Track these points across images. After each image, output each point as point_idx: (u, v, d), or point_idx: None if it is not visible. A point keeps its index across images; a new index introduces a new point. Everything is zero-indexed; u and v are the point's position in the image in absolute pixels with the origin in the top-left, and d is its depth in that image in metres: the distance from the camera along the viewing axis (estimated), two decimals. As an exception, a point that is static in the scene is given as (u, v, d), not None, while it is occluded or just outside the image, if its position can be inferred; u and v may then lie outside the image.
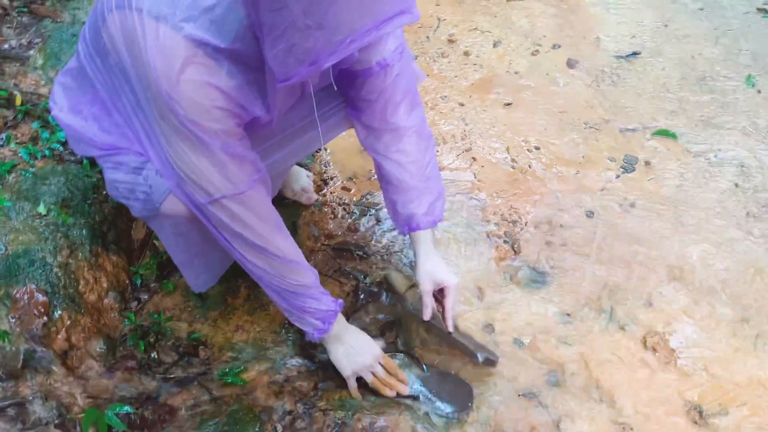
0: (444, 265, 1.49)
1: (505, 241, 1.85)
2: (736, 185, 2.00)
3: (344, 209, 1.92)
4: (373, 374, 1.47)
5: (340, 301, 1.40)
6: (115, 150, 1.31)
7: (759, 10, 2.61)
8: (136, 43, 1.02)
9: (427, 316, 1.49)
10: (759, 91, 2.28)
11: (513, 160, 2.08)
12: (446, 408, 1.48)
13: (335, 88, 1.34)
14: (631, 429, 1.47)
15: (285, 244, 1.29)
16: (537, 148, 2.11)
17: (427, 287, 1.47)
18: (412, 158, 1.42)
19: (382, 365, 1.47)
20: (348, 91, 1.38)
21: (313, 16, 0.83)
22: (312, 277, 1.35)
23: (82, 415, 1.31)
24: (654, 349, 1.61)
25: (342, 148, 2.07)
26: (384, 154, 1.44)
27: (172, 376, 1.49)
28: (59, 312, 1.44)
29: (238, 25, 0.99)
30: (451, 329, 1.51)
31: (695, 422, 1.49)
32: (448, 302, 1.49)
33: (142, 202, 1.30)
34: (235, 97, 1.06)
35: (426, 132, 1.44)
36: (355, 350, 1.45)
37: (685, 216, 1.91)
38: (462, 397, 1.50)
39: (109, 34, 1.08)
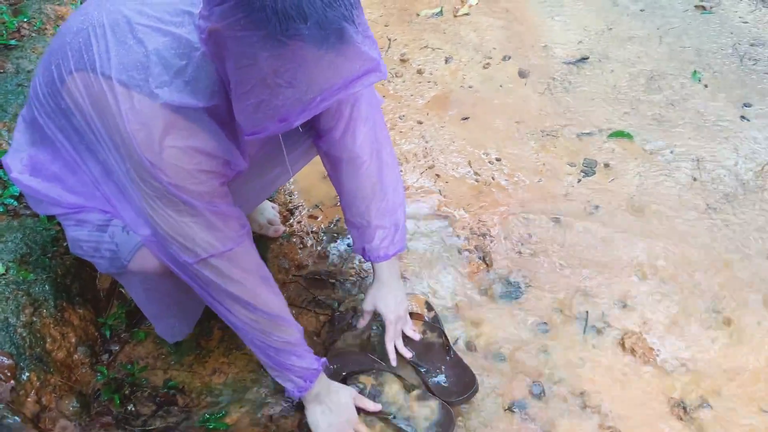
0: (390, 297, 1.51)
1: (477, 256, 1.85)
2: (694, 179, 2.04)
3: (313, 237, 1.90)
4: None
5: (324, 360, 1.37)
6: (78, 208, 1.26)
7: (697, 7, 2.70)
8: (107, 111, 0.99)
9: (361, 324, 1.58)
10: (705, 86, 2.35)
11: (476, 174, 2.09)
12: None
13: (300, 131, 1.32)
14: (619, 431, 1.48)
15: (272, 298, 1.26)
16: (498, 160, 2.13)
17: (368, 308, 1.54)
18: (366, 192, 1.41)
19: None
20: (310, 121, 1.37)
21: (283, 75, 0.83)
22: (297, 333, 1.32)
23: (60, 479, 1.26)
24: (633, 350, 1.62)
25: (305, 176, 2.05)
26: (342, 185, 1.43)
27: (151, 428, 1.45)
28: (27, 374, 1.38)
29: (211, 81, 0.98)
30: (393, 363, 1.53)
31: (680, 418, 1.50)
32: (387, 335, 1.53)
33: (108, 260, 1.26)
34: (218, 156, 1.05)
35: (387, 162, 1.42)
36: (332, 412, 1.39)
37: (648, 214, 1.94)
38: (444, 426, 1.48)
39: (72, 97, 1.05)
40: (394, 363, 1.52)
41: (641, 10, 2.70)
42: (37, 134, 1.23)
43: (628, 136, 2.18)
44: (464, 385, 1.52)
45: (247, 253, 1.19)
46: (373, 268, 1.52)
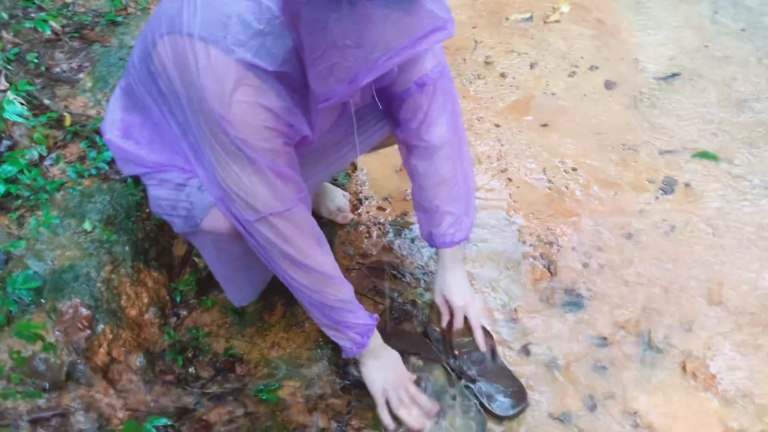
0: (457, 285, 1.54)
1: (541, 263, 1.83)
2: (780, 208, 1.95)
3: (379, 229, 1.93)
4: (399, 399, 1.45)
5: (376, 315, 1.41)
6: (161, 167, 1.35)
7: (803, 30, 2.57)
8: (187, 67, 1.06)
9: (443, 321, 1.59)
10: (803, 113, 2.24)
11: (549, 181, 2.07)
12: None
13: (379, 106, 1.36)
14: (671, 456, 1.44)
15: (326, 260, 1.31)
16: (574, 169, 2.10)
17: (438, 300, 1.58)
18: (439, 179, 1.44)
19: (408, 390, 1.46)
20: (389, 110, 1.41)
21: (351, 35, 0.86)
22: (349, 292, 1.36)
23: (122, 427, 1.34)
24: (694, 375, 1.57)
25: (378, 168, 2.09)
26: (416, 169, 1.46)
27: (208, 391, 1.52)
28: (102, 326, 1.48)
29: (285, 48, 1.02)
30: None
31: (737, 451, 1.45)
32: (455, 322, 1.56)
33: (183, 218, 1.33)
34: (283, 118, 1.10)
35: (461, 152, 1.45)
36: (388, 367, 1.46)
37: (726, 239, 1.87)
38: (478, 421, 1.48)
39: (160, 59, 1.13)
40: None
41: (742, 30, 2.60)
42: (130, 100, 1.33)
43: (714, 157, 2.10)
44: (514, 395, 1.52)
45: (303, 215, 1.24)
46: (437, 254, 1.55)
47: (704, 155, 2.12)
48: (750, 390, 1.54)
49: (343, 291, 1.35)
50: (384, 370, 1.46)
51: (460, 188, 1.46)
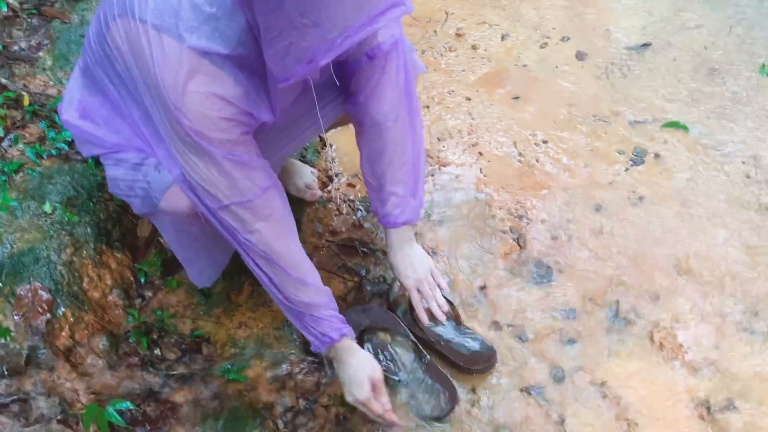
0: (405, 266, 1.50)
1: (511, 237, 1.83)
2: (748, 177, 1.96)
3: (349, 206, 1.91)
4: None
5: (340, 328, 1.34)
6: (119, 148, 1.32)
7: (774, -2, 2.55)
8: (142, 54, 1.04)
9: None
10: (773, 81, 2.23)
11: (520, 154, 2.05)
12: (425, 407, 1.47)
13: (336, 82, 1.33)
14: (637, 425, 1.45)
15: (295, 256, 1.29)
16: (545, 142, 2.09)
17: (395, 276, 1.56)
18: (386, 158, 1.41)
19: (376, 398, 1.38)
20: (341, 83, 1.38)
21: (308, 14, 0.84)
22: (316, 298, 1.32)
23: (84, 411, 1.32)
24: (661, 345, 1.58)
25: (347, 144, 2.06)
26: (363, 146, 1.44)
27: (174, 372, 1.50)
28: (63, 309, 1.46)
29: (239, 30, 0.99)
30: (425, 322, 1.52)
31: (702, 418, 1.47)
32: (412, 300, 1.51)
33: (141, 198, 1.31)
34: (241, 106, 1.07)
35: (412, 131, 1.41)
36: (354, 382, 1.36)
37: (694, 209, 1.88)
38: (444, 400, 1.48)
39: (115, 42, 1.10)
40: (426, 323, 1.52)
41: (713, -2, 2.58)
42: (89, 80, 1.30)
43: (684, 127, 2.10)
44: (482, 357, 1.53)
45: (270, 203, 1.21)
46: (384, 231, 1.53)
47: (674, 125, 2.11)
48: (716, 359, 1.55)
49: (307, 294, 1.30)
50: (348, 385, 1.37)
51: (407, 169, 1.43)
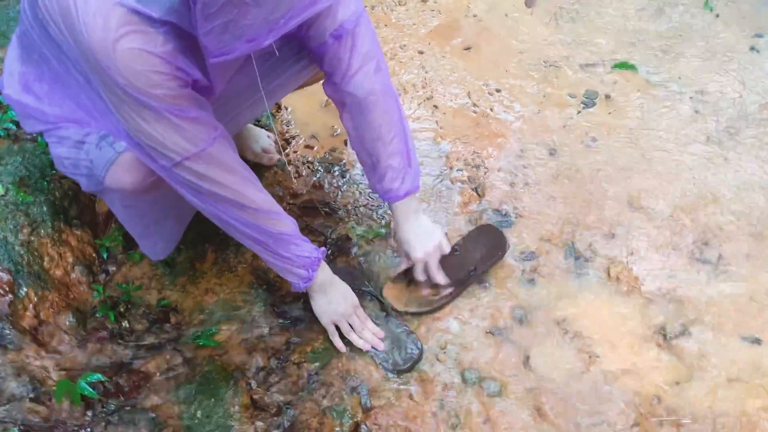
0: (414, 239, 1.53)
1: (470, 187, 1.86)
2: (696, 112, 2.01)
3: (308, 167, 1.92)
4: (350, 324, 1.51)
5: (323, 249, 1.41)
6: (61, 122, 1.29)
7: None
8: (69, 13, 1.00)
9: (401, 267, 1.63)
10: (717, 15, 2.27)
11: (474, 105, 2.07)
12: (397, 358, 1.51)
13: (276, 54, 1.33)
14: (598, 357, 1.51)
15: (258, 195, 1.29)
16: (498, 91, 2.11)
17: (401, 254, 1.61)
18: (374, 133, 1.41)
19: (358, 316, 1.52)
20: (317, 63, 1.38)
21: None
22: (291, 225, 1.36)
23: (55, 386, 1.33)
24: (618, 279, 1.64)
25: (303, 105, 2.06)
26: (349, 126, 1.44)
27: (144, 343, 1.51)
28: (25, 289, 1.45)
29: None
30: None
31: (659, 345, 1.53)
32: (416, 274, 1.57)
33: (86, 177, 1.29)
34: (172, 62, 1.05)
35: (392, 101, 1.41)
36: (337, 300, 1.48)
37: (645, 146, 1.92)
38: (411, 348, 1.53)
39: (44, 4, 1.06)
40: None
41: (657, -63, 2.59)
42: (26, 50, 1.26)
43: (632, 67, 2.14)
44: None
45: (223, 153, 1.20)
46: (390, 208, 1.54)
47: (623, 66, 2.14)
48: (670, 288, 1.62)
49: (284, 224, 1.34)
50: (333, 304, 1.48)
51: (398, 139, 1.43)
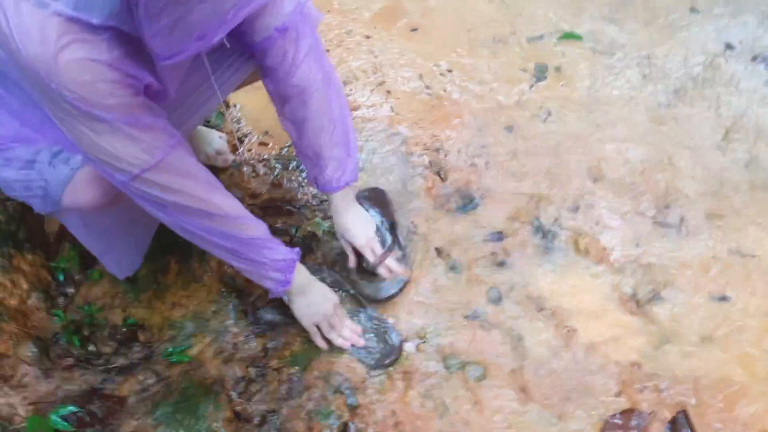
0: (355, 227, 1.55)
1: (431, 171, 1.84)
2: (644, 77, 2.03)
3: (264, 165, 1.86)
4: (330, 326, 1.48)
5: (297, 249, 1.38)
6: (5, 143, 1.21)
7: None
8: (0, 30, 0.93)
9: (350, 263, 1.59)
10: (656, -20, 2.30)
11: (427, 87, 2.05)
12: (377, 355, 1.50)
13: (227, 46, 1.27)
14: (575, 330, 1.52)
15: (225, 200, 1.23)
16: (449, 71, 2.09)
17: (342, 242, 1.59)
18: (317, 124, 1.38)
19: (337, 315, 1.50)
20: (257, 60, 1.33)
21: None
22: (262, 229, 1.31)
23: (26, 424, 1.27)
24: (587, 251, 1.65)
25: (252, 102, 2.00)
26: (291, 120, 1.40)
27: (114, 365, 1.45)
28: (-20, 324, 1.37)
29: (110, 1, 0.90)
30: (388, 274, 1.58)
31: (632, 313, 1.55)
32: (367, 259, 1.57)
33: (41, 198, 1.22)
34: (120, 68, 0.98)
35: (334, 91, 1.39)
36: (316, 301, 1.46)
37: (599, 115, 1.94)
38: (390, 345, 1.51)
39: None
40: (389, 274, 1.58)
41: None
42: None
43: (578, 37, 2.14)
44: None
45: (183, 160, 1.14)
46: (328, 198, 1.53)
47: (569, 36, 2.15)
48: (638, 255, 1.64)
49: (254, 228, 1.29)
50: (313, 305, 1.46)
51: (338, 130, 1.41)
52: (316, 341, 1.49)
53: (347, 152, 1.45)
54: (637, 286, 1.60)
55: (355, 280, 1.60)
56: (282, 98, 1.38)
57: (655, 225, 1.70)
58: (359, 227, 1.56)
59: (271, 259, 1.32)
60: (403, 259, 1.62)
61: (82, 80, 0.94)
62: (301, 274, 1.42)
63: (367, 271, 1.59)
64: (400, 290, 1.59)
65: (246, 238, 1.27)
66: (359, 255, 1.59)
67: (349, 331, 1.50)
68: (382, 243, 1.59)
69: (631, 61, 2.07)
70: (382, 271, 1.57)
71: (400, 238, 1.65)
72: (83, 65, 0.93)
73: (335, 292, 1.51)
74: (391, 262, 1.58)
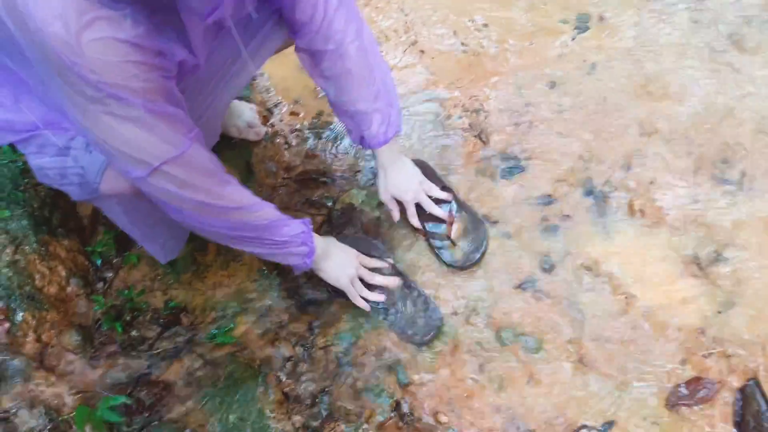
0: (403, 180, 1.51)
1: (472, 134, 1.75)
2: (695, 22, 1.90)
3: (297, 136, 1.79)
4: (363, 283, 1.46)
5: (307, 219, 1.33)
6: (35, 130, 1.16)
7: None
8: (16, 10, 0.85)
9: (395, 217, 1.56)
10: None
11: (463, 44, 1.94)
12: (417, 330, 1.44)
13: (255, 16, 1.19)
14: (635, 296, 1.45)
15: (237, 192, 1.18)
16: (485, 26, 1.98)
17: (384, 197, 1.53)
18: (356, 79, 1.32)
19: (365, 264, 1.47)
20: (286, 17, 1.25)
21: None
22: (273, 210, 1.26)
23: (75, 414, 1.24)
24: (642, 212, 1.56)
25: (279, 70, 1.91)
26: (328, 78, 1.33)
27: (158, 350, 1.42)
28: (21, 314, 1.34)
29: None
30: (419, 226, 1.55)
31: (695, 276, 1.47)
32: (408, 216, 1.54)
33: (78, 186, 1.17)
34: (147, 46, 0.91)
35: (367, 43, 1.31)
36: (341, 258, 1.43)
37: (647, 66, 1.82)
38: (433, 317, 1.46)
39: None
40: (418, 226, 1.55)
41: None
42: None
43: (622, -18, 2.01)
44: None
45: (201, 154, 1.08)
46: (374, 154, 1.48)
47: (612, -18, 2.02)
48: (697, 215, 1.55)
49: (267, 212, 1.24)
50: (341, 265, 1.42)
51: (378, 81, 1.34)
52: (357, 302, 1.44)
53: (390, 101, 1.39)
54: (697, 247, 1.51)
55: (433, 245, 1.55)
56: (316, 55, 1.31)
57: (714, 181, 1.60)
58: (408, 180, 1.52)
59: (292, 235, 1.28)
60: (474, 224, 1.55)
61: (107, 61, 0.88)
62: (318, 240, 1.37)
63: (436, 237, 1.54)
64: (482, 255, 1.53)
65: (265, 224, 1.23)
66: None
67: (381, 278, 1.47)
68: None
69: (679, 6, 1.94)
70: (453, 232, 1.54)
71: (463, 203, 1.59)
72: (108, 45, 0.87)
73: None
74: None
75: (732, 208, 1.55)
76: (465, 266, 1.51)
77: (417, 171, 1.55)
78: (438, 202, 1.54)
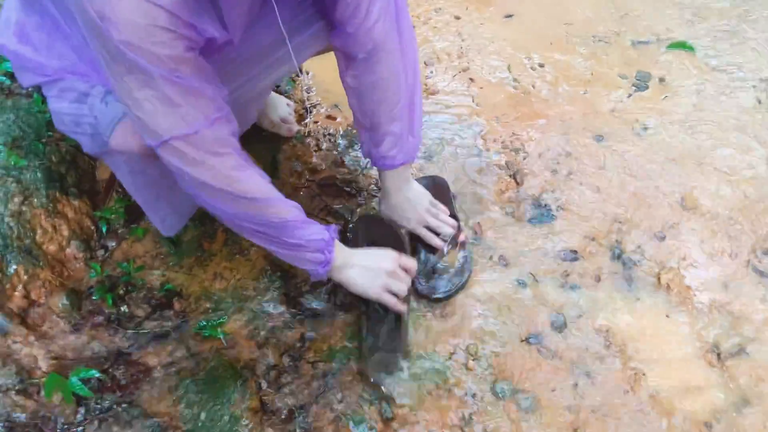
0: (403, 211, 1.45)
1: (506, 173, 1.69)
2: (759, 102, 1.82)
3: (329, 140, 1.75)
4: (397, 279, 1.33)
5: (334, 226, 1.25)
6: (62, 74, 1.14)
7: None
8: None
9: None
10: (786, -5, 2.07)
11: (515, 80, 1.89)
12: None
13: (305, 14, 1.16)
14: (644, 374, 1.37)
15: (252, 183, 1.11)
16: (541, 66, 1.92)
17: (384, 218, 1.49)
18: (380, 94, 1.26)
19: (402, 267, 1.34)
20: (325, 13, 1.20)
21: None
22: (295, 212, 1.19)
23: (45, 380, 1.20)
24: (668, 287, 1.48)
25: (325, 71, 1.88)
26: (353, 83, 1.28)
27: (144, 331, 1.37)
28: (14, 266, 1.30)
29: None
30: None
31: (711, 365, 1.38)
32: (424, 241, 1.47)
33: (89, 136, 1.15)
34: (180, 15, 0.88)
35: (407, 62, 1.25)
36: (370, 267, 1.30)
37: (702, 138, 1.75)
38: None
39: None
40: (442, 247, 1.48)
41: None
42: None
43: (690, 48, 1.94)
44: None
45: (217, 138, 1.03)
46: (379, 174, 1.43)
47: (680, 46, 1.95)
48: (726, 301, 1.46)
49: (287, 211, 1.17)
50: (368, 275, 1.30)
51: (403, 103, 1.28)
52: (397, 308, 1.33)
53: (409, 130, 1.33)
54: (721, 336, 1.42)
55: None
56: (348, 57, 1.25)
57: (751, 270, 1.51)
58: (408, 208, 1.45)
59: (307, 239, 1.19)
60: (465, 261, 1.49)
61: (135, 23, 0.86)
62: (343, 251, 1.28)
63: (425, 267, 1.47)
64: (457, 290, 1.46)
65: (277, 222, 1.15)
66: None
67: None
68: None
69: (745, 82, 1.87)
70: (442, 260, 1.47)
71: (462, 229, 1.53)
72: (139, 6, 0.85)
73: None
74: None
75: (765, 303, 1.46)
76: (430, 297, 1.44)
77: (424, 196, 1.47)
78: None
